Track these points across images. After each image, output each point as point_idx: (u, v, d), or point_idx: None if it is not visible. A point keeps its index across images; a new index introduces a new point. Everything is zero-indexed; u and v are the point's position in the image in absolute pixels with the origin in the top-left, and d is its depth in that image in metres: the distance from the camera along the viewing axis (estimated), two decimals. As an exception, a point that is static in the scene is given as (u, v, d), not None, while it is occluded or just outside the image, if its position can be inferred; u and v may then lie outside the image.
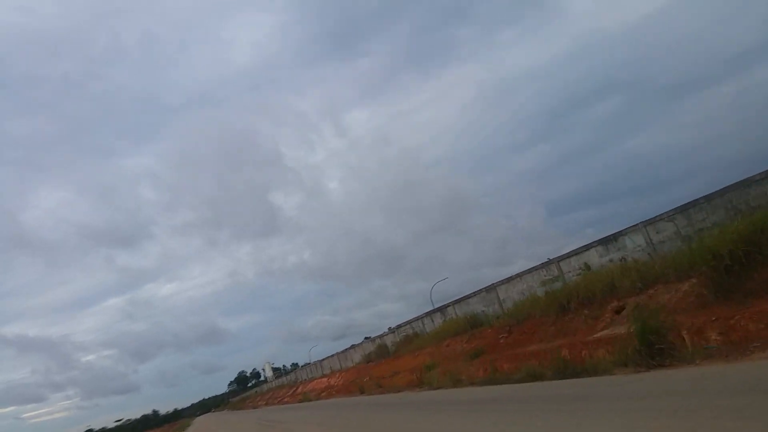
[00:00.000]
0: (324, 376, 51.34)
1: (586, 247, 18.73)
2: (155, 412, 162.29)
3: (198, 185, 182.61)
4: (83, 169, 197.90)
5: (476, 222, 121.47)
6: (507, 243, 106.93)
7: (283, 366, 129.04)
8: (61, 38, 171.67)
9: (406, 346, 31.04)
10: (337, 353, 50.35)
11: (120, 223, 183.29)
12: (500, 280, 23.88)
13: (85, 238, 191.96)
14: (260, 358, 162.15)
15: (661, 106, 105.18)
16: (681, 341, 10.16)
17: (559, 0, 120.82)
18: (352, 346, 44.88)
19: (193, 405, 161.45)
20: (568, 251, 19.55)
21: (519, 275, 22.43)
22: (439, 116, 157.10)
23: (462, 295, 26.92)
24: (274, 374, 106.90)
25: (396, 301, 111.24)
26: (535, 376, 13.30)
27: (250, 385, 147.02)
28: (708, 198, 15.01)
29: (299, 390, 55.82)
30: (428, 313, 30.71)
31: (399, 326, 34.75)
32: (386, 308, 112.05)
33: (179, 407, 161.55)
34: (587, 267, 18.44)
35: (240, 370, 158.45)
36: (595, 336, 14.43)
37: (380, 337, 38.14)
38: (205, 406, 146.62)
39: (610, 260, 17.92)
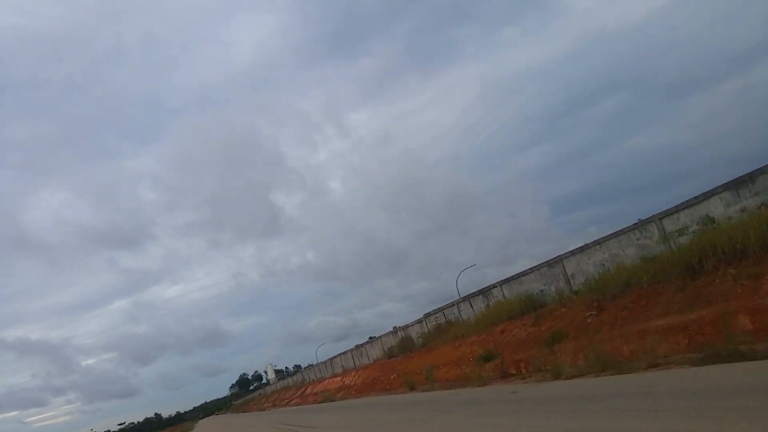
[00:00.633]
0: (336, 375, 46.53)
1: (707, 195, 14.06)
2: (158, 416, 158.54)
3: (200, 186, 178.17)
4: (85, 171, 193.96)
5: (479, 221, 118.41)
6: (510, 242, 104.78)
7: (286, 368, 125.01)
8: (63, 40, 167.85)
9: (440, 337, 26.30)
10: (351, 350, 45.53)
11: (123, 225, 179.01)
12: (567, 252, 19.22)
13: (87, 241, 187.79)
14: (262, 361, 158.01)
15: (664, 105, 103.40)
16: None
17: None
18: (370, 340, 40.09)
19: (195, 408, 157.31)
20: (677, 203, 14.87)
21: (598, 242, 17.78)
22: (442, 116, 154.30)
23: (513, 274, 22.22)
24: (277, 376, 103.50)
25: (399, 301, 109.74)
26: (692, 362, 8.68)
27: (251, 387, 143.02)
28: None
29: (308, 391, 50.98)
30: (465, 298, 25.98)
31: (427, 315, 30.01)
32: (389, 308, 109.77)
33: (181, 410, 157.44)
34: (710, 220, 13.76)
35: (242, 372, 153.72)
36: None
37: (403, 328, 33.40)
38: (208, 410, 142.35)
39: (742, 210, 13.28)
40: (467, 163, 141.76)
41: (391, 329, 44.58)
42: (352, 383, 35.68)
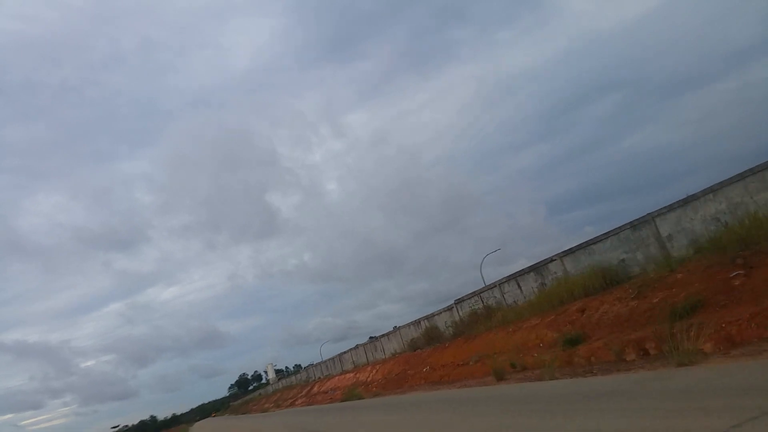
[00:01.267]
0: (346, 372, 42.27)
1: None
2: (153, 418, 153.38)
3: (197, 188, 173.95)
4: (81, 175, 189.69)
5: (476, 222, 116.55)
6: (507, 242, 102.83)
7: (286, 367, 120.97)
8: (60, 44, 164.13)
9: (479, 323, 22.16)
10: (363, 344, 41.31)
11: (119, 228, 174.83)
12: (661, 208, 15.16)
13: (84, 244, 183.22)
14: (260, 362, 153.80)
15: (660, 104, 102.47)
16: None
17: (556, 0, 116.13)
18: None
19: (192, 410, 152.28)
20: None
21: (710, 190, 13.75)
22: (438, 117, 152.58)
23: (578, 244, 18.15)
24: (277, 376, 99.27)
25: (397, 302, 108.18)
26: None
27: (251, 388, 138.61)
28: None
29: (315, 389, 46.64)
30: (511, 277, 21.86)
31: (459, 301, 25.86)
32: (387, 309, 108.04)
33: (178, 412, 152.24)
34: None
35: (241, 372, 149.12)
36: None
37: (428, 318, 29.22)
38: (205, 411, 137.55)
39: None
40: (464, 163, 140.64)
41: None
42: (369, 379, 31.45)
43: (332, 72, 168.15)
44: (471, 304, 24.79)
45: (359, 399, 20.98)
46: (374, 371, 31.91)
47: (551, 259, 19.26)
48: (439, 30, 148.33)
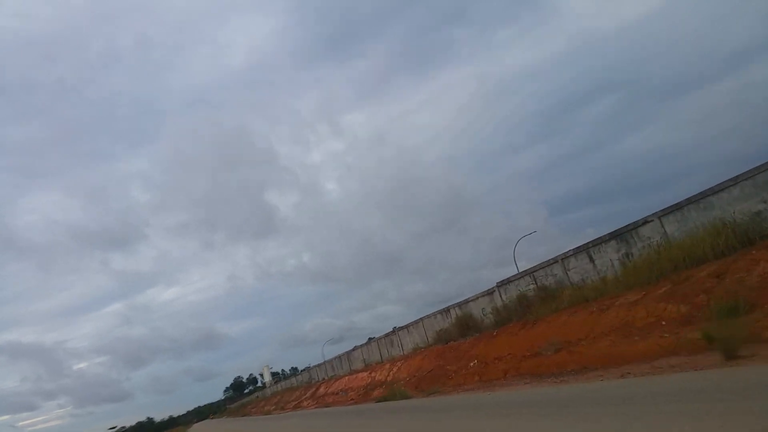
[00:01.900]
0: (356, 371, 37.73)
1: None
2: (150, 420, 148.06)
3: (195, 187, 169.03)
4: (78, 174, 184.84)
5: (476, 222, 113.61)
6: (507, 243, 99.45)
7: (282, 370, 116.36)
8: (57, 43, 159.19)
9: (536, 307, 17.78)
10: (376, 339, 36.80)
11: (117, 228, 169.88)
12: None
13: (81, 243, 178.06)
14: (256, 365, 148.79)
15: (659, 105, 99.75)
16: None
17: (554, 0, 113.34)
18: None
19: (188, 412, 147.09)
20: None
21: None
22: (437, 117, 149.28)
23: (682, 199, 13.83)
24: (273, 379, 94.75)
25: (396, 303, 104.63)
26: None
27: (246, 391, 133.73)
28: None
29: (321, 391, 42.04)
30: (580, 249, 17.47)
31: (504, 282, 21.47)
32: (386, 310, 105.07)
33: (174, 414, 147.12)
34: None
35: (236, 375, 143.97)
36: None
37: (460, 305, 24.80)
38: (201, 413, 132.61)
39: None
40: (463, 163, 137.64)
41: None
42: (390, 378, 26.96)
43: (331, 71, 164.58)
44: (519, 286, 20.42)
45: (405, 398, 16.27)
46: (395, 369, 27.42)
47: (644, 221, 14.90)
48: (438, 29, 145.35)
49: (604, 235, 16.44)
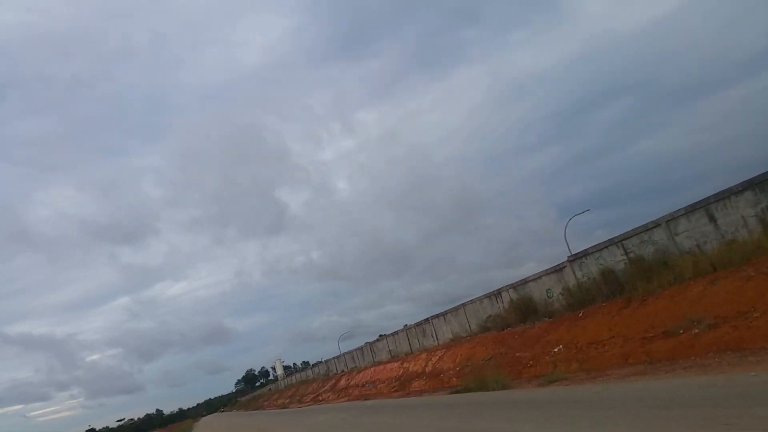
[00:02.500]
0: (381, 362, 34.13)
1: None
2: (159, 412, 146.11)
3: (206, 183, 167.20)
4: (92, 169, 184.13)
5: (486, 223, 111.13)
6: (517, 245, 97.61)
7: (294, 364, 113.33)
8: (71, 38, 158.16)
9: (632, 284, 14.00)
10: (405, 329, 33.11)
11: (129, 223, 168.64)
12: None
13: (93, 238, 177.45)
14: (266, 359, 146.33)
15: (673, 109, 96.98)
16: None
17: (569, 2, 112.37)
18: (445, 314, 27.75)
19: (198, 405, 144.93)
20: None
21: None
22: (449, 117, 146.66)
23: None
24: (285, 372, 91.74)
25: (403, 302, 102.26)
26: None
27: (258, 384, 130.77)
28: None
29: (342, 383, 38.46)
30: (693, 207, 13.66)
31: (577, 256, 17.70)
32: (393, 309, 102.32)
33: (184, 407, 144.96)
34: None
35: (248, 368, 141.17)
36: None
37: (514, 287, 21.07)
38: (211, 406, 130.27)
39: None
40: (475, 164, 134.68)
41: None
42: (429, 369, 23.30)
43: (343, 70, 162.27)
44: (601, 260, 16.64)
45: (504, 389, 12.21)
46: (435, 358, 23.72)
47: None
48: (451, 30, 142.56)
49: (735, 186, 12.61)
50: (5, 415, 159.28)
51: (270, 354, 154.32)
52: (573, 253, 17.86)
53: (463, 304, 25.43)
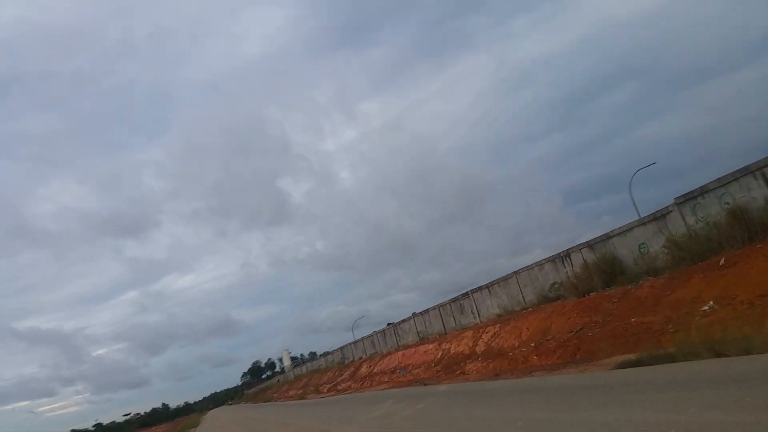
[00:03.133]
0: (409, 346, 30.30)
1: None
2: (165, 406, 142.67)
3: (209, 175, 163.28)
4: (95, 163, 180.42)
5: (491, 211, 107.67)
6: (523, 232, 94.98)
7: (301, 355, 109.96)
8: (74, 34, 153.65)
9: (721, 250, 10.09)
10: (438, 306, 29.14)
11: (135, 217, 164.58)
12: None
13: (97, 232, 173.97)
14: (272, 351, 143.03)
15: (678, 93, 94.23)
16: None
17: None
18: (489, 285, 23.82)
19: (205, 398, 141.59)
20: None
21: None
22: (453, 106, 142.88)
23: None
24: (292, 363, 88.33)
25: (410, 291, 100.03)
26: None
27: (264, 376, 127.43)
28: None
29: (363, 370, 34.66)
30: None
31: (686, 197, 13.74)
32: (400, 298, 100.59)
33: (190, 401, 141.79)
34: None
35: (254, 360, 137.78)
36: None
37: (590, 245, 17.14)
38: (217, 400, 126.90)
39: None
40: (479, 152, 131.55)
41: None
42: (483, 349, 19.37)
43: (345, 60, 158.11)
44: (725, 198, 12.68)
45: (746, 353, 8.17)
46: (487, 336, 19.80)
47: None
48: (454, 18, 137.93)
49: None
50: (13, 411, 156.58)
51: (277, 345, 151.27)
52: (684, 192, 13.85)
53: (516, 272, 21.51)
